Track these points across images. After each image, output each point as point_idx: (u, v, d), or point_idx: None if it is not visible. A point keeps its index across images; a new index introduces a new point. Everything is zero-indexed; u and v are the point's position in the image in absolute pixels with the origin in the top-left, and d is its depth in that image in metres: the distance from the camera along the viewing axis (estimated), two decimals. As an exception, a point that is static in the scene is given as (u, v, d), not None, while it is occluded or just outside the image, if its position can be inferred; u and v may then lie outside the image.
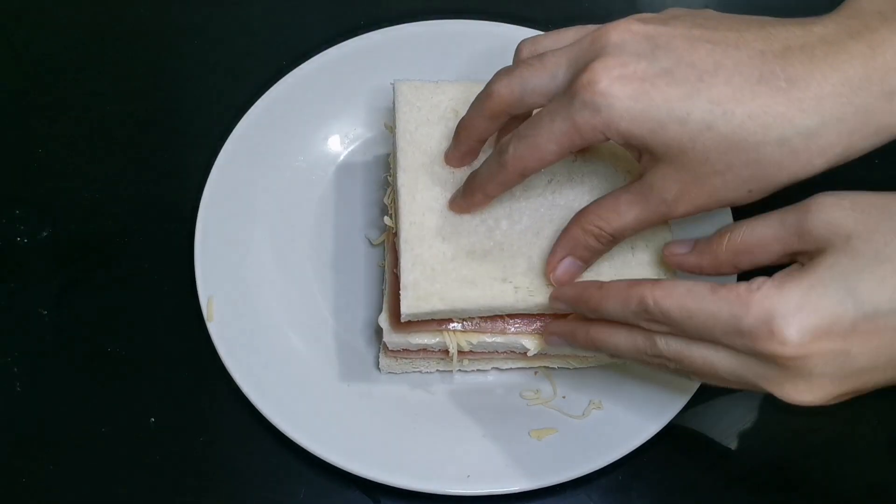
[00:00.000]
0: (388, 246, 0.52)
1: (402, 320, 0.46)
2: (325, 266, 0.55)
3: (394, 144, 0.51)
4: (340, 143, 0.59)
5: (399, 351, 0.49)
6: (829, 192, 0.38)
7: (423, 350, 0.49)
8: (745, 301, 0.36)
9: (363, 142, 0.59)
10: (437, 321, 0.47)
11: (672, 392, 0.49)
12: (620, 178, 0.48)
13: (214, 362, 0.49)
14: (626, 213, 0.42)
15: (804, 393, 0.36)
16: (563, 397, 0.50)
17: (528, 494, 0.47)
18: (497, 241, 0.47)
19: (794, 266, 0.37)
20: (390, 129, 0.53)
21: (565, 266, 0.45)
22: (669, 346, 0.39)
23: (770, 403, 0.51)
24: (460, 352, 0.48)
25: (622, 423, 0.48)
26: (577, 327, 0.44)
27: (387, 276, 0.50)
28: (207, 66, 0.64)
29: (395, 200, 0.50)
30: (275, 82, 0.58)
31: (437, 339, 0.48)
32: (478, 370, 0.51)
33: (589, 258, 0.45)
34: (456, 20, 0.62)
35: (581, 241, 0.44)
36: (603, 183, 0.48)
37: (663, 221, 0.43)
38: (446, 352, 0.48)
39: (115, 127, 0.61)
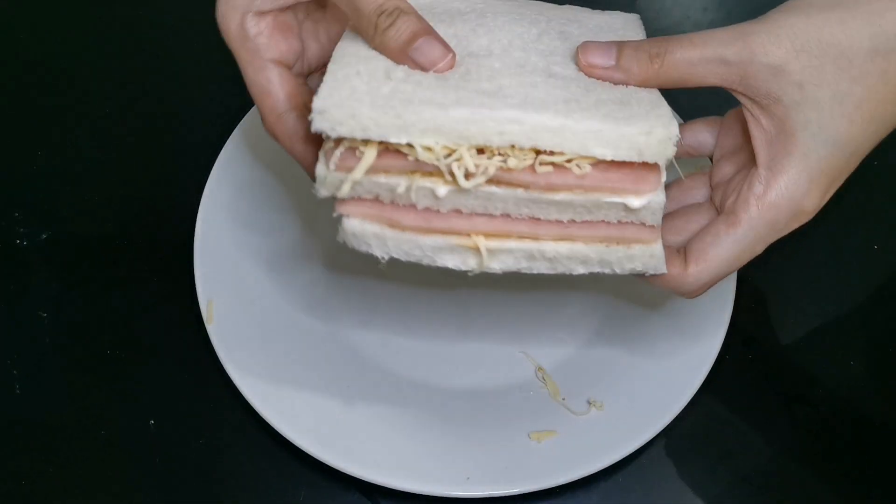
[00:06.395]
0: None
1: (313, 126, 0.35)
2: (324, 267, 0.55)
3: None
4: (340, 144, 0.59)
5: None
6: (765, 31, 0.37)
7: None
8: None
9: (363, 143, 0.59)
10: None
11: (673, 392, 0.49)
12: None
13: (214, 365, 0.49)
14: None
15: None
16: (563, 399, 0.50)
17: (527, 496, 0.46)
18: (464, 68, 0.38)
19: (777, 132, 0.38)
20: None
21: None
22: None
23: (771, 403, 0.51)
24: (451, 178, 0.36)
25: (622, 424, 0.48)
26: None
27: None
28: (208, 67, 0.64)
29: None
30: (274, 83, 0.58)
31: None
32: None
33: None
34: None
35: None
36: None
37: None
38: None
39: (115, 128, 0.61)
